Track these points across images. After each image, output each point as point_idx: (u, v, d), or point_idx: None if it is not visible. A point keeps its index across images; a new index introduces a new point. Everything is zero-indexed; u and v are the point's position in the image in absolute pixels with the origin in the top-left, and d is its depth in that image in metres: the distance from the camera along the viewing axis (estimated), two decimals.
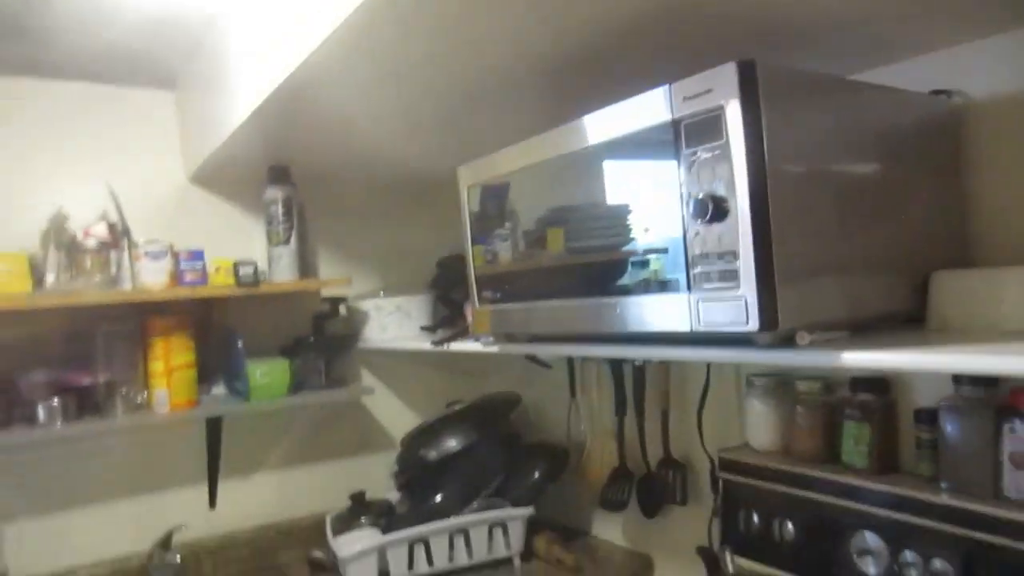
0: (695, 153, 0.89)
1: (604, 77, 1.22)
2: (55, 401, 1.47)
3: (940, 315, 0.94)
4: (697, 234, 0.89)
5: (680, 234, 0.92)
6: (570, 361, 1.80)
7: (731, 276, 0.86)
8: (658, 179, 0.95)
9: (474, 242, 1.33)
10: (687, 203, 0.90)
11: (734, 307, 0.85)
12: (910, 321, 0.98)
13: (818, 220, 0.90)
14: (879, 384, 1.17)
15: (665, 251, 0.95)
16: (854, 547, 1.15)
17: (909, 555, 1.08)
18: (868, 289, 0.95)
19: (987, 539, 0.99)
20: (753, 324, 0.83)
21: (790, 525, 1.26)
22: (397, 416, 2.07)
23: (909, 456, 1.15)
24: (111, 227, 1.51)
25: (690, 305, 0.91)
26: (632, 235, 1.01)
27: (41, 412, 1.47)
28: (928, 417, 1.10)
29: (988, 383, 1.02)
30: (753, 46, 1.07)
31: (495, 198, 1.32)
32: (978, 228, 1.07)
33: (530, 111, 1.36)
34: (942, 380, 1.08)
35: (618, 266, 1.03)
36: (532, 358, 1.86)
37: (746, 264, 0.84)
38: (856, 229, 0.94)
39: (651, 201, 0.98)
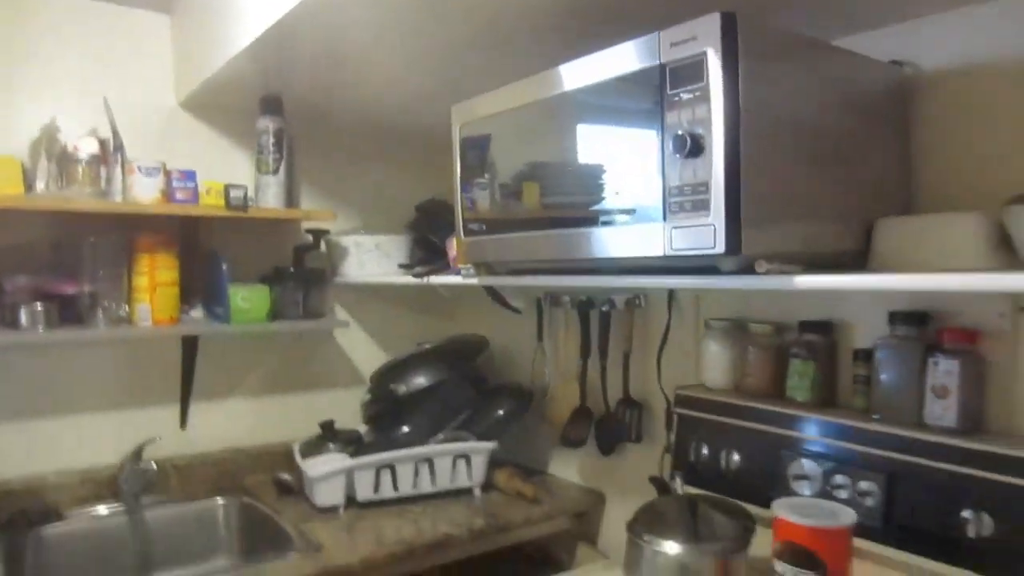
0: (678, 94, 0.98)
1: (600, 30, 1.28)
2: (38, 306, 1.50)
3: (880, 257, 1.06)
4: (675, 168, 0.99)
5: (654, 200, 1.00)
6: (539, 307, 1.89)
7: (703, 205, 0.95)
8: (636, 140, 1.04)
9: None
10: (668, 139, 0.99)
11: (704, 233, 0.95)
12: (855, 265, 1.09)
13: (782, 162, 1.00)
14: (824, 326, 1.29)
15: (633, 211, 1.04)
16: (791, 473, 1.27)
17: (839, 478, 1.20)
18: (821, 230, 1.05)
19: (908, 460, 1.11)
20: (719, 248, 0.93)
21: (736, 455, 1.37)
22: (368, 353, 2.15)
23: (846, 392, 1.27)
24: (101, 143, 1.54)
25: (664, 232, 1.00)
26: (604, 194, 1.10)
27: (23, 316, 1.50)
28: (865, 356, 1.22)
29: (919, 323, 1.15)
30: (741, 4, 1.16)
31: (477, 148, 1.39)
32: (921, 182, 1.19)
33: (528, 62, 1.42)
34: (879, 322, 1.20)
35: (590, 222, 1.12)
36: (503, 303, 1.95)
37: (716, 195, 0.93)
38: (815, 175, 1.05)
39: (626, 163, 1.06)
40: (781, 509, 1.08)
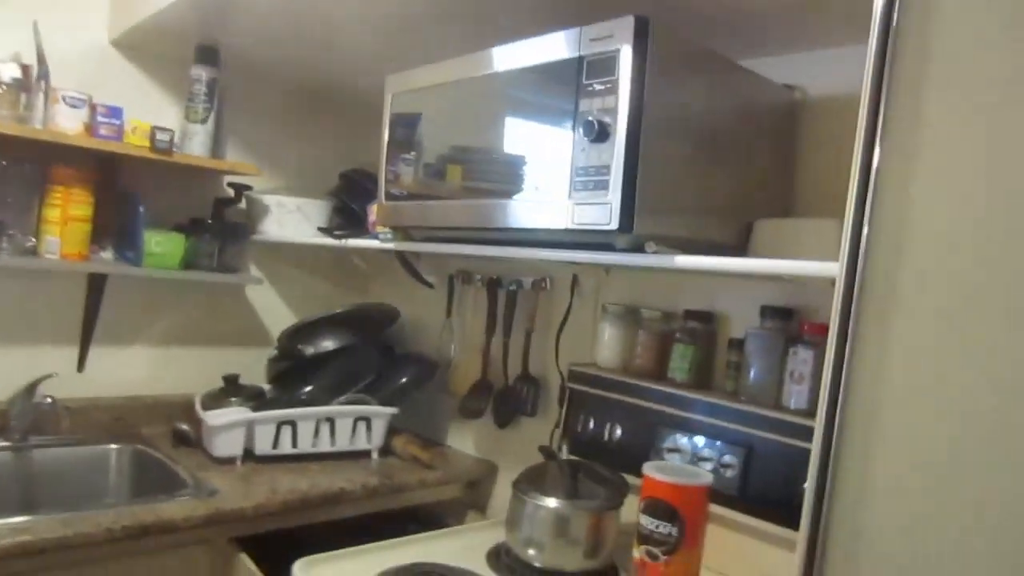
0: (591, 85, 1.09)
1: (535, 20, 1.37)
2: None
3: (756, 252, 1.19)
4: (583, 150, 1.09)
5: (563, 180, 1.10)
6: (451, 283, 1.97)
7: (603, 185, 1.06)
8: (553, 132, 1.14)
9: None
10: (579, 124, 1.09)
11: (602, 210, 1.06)
12: None
13: (678, 157, 1.12)
14: (705, 315, 1.42)
15: (544, 190, 1.14)
16: (666, 445, 1.39)
17: (707, 451, 1.33)
18: (707, 222, 1.18)
19: (766, 436, 1.25)
20: (614, 224, 1.04)
21: (619, 428, 1.49)
22: (278, 314, 2.17)
23: (720, 375, 1.41)
24: (25, 68, 1.52)
25: (568, 208, 1.10)
26: (523, 185, 1.19)
27: None
28: (738, 344, 1.35)
29: (784, 317, 1.29)
30: (668, 15, 1.27)
31: (406, 126, 1.46)
32: (800, 189, 1.34)
33: (485, 41, 1.47)
34: (752, 315, 1.34)
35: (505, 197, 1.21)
36: (417, 276, 2.02)
37: (615, 177, 1.04)
38: (706, 173, 1.17)
39: (542, 150, 1.16)
40: (648, 469, 1.20)
